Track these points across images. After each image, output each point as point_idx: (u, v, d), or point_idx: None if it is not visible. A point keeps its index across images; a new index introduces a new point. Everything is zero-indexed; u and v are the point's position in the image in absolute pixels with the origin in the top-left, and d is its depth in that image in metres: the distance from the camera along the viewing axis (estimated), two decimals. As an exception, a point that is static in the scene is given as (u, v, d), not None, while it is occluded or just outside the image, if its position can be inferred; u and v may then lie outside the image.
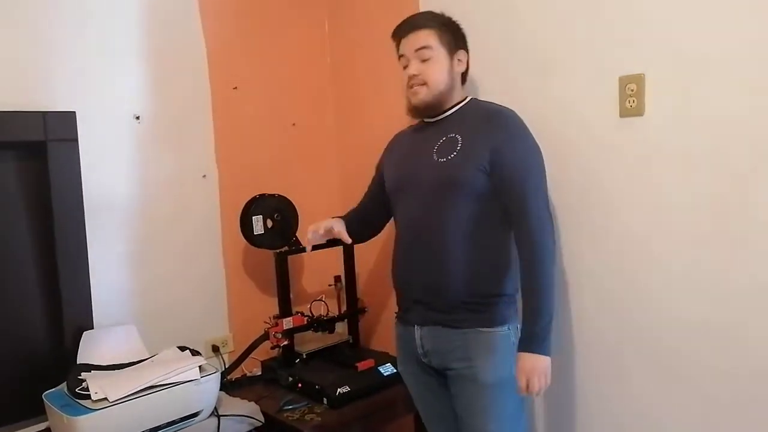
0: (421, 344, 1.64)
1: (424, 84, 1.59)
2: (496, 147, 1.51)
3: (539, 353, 1.48)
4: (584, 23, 1.67)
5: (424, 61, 1.59)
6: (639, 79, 1.56)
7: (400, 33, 1.64)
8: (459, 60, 1.64)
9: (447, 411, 1.67)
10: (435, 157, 1.58)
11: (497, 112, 1.60)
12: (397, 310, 1.74)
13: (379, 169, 1.83)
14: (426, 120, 1.68)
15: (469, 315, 1.56)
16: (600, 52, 1.64)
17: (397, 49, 1.66)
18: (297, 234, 2.12)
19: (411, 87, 1.61)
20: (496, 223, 1.55)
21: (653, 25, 1.54)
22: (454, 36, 1.63)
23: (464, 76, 1.68)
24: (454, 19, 1.65)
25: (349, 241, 1.75)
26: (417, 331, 1.64)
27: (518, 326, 1.53)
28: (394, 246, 1.70)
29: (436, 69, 1.59)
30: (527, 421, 1.62)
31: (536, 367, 1.47)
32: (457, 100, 1.64)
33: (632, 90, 1.57)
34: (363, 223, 1.84)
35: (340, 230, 1.72)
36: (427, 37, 1.59)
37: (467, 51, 1.66)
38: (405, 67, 1.64)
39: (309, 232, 1.72)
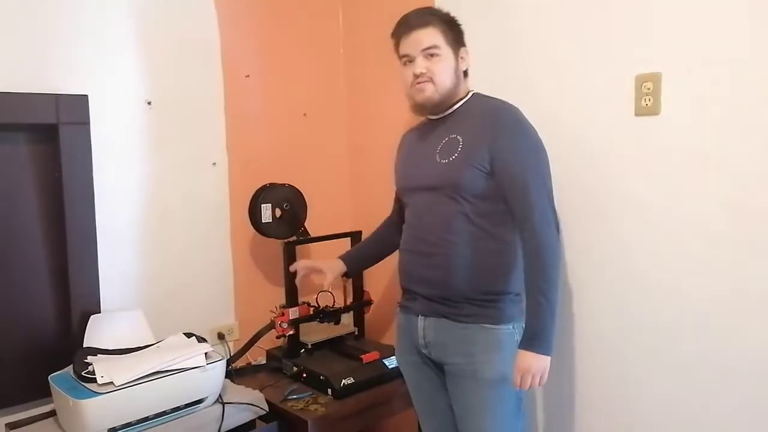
0: (424, 335, 1.65)
1: (430, 81, 1.57)
2: (495, 146, 1.51)
3: (539, 353, 1.47)
4: (601, 21, 1.65)
5: (429, 58, 1.56)
6: (656, 78, 1.55)
7: (402, 32, 1.60)
8: (462, 58, 1.62)
9: (442, 404, 1.68)
10: (437, 159, 1.58)
11: (496, 109, 1.57)
12: (399, 300, 1.74)
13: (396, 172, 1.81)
14: (431, 117, 1.67)
15: (474, 310, 1.56)
16: (617, 49, 1.63)
17: (397, 49, 1.63)
18: (305, 224, 2.12)
19: (417, 84, 1.58)
20: (500, 221, 1.55)
21: (671, 24, 1.52)
22: (457, 33, 1.61)
23: (466, 71, 1.65)
24: (453, 15, 1.62)
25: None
26: (420, 322, 1.65)
27: (523, 325, 1.52)
28: (401, 241, 1.71)
29: (444, 67, 1.57)
30: (526, 421, 1.61)
31: (534, 366, 1.47)
32: (460, 96, 1.63)
33: (648, 89, 1.56)
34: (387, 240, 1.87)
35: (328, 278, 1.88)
36: (433, 36, 1.56)
37: (466, 47, 1.63)
38: (406, 64, 1.60)
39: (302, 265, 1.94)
